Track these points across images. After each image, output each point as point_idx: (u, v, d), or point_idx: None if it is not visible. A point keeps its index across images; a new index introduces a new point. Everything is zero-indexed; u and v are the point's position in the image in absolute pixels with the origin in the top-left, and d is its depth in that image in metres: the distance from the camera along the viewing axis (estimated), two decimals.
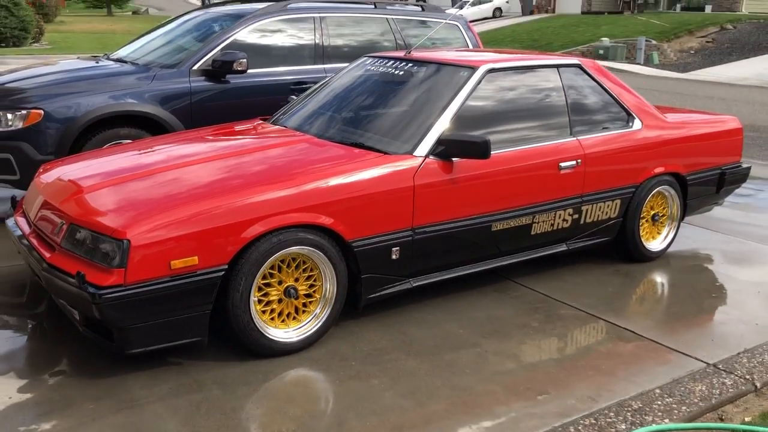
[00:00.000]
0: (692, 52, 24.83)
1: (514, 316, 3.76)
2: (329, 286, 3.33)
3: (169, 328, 2.97)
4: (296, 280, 3.25)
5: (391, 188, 3.40)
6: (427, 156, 3.54)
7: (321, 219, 3.20)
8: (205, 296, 2.99)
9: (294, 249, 3.16)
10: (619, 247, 4.54)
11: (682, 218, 4.79)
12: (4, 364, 3.10)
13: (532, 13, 38.06)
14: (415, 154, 3.54)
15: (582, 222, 4.22)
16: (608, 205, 4.30)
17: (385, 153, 3.54)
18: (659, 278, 4.44)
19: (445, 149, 3.56)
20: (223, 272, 3.00)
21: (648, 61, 23.54)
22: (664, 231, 4.73)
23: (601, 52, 24.02)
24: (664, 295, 4.23)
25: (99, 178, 3.40)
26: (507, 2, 41.18)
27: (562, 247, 4.24)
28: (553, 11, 38.47)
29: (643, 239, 4.56)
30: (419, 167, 3.50)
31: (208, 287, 2.98)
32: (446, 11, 7.29)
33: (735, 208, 6.03)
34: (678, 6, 32.84)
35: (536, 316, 3.77)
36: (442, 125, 3.64)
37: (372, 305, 3.59)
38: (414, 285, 3.63)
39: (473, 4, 40.12)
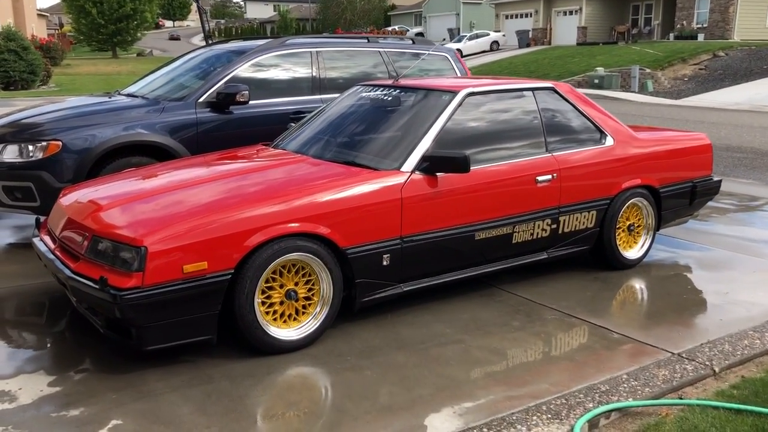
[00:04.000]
0: (686, 79, 25.37)
1: (497, 317, 4.09)
2: (326, 289, 3.67)
3: (182, 327, 3.31)
4: (296, 284, 3.60)
5: (381, 200, 3.76)
6: (413, 171, 3.91)
7: (318, 228, 3.56)
8: (213, 298, 3.33)
9: (293, 255, 3.51)
10: (598, 255, 4.87)
11: (657, 228, 5.13)
12: (34, 363, 3.44)
13: (528, 45, 38.84)
14: (402, 169, 3.91)
15: (560, 232, 4.57)
16: (585, 216, 4.64)
17: (376, 169, 3.91)
18: (635, 283, 4.76)
19: (429, 165, 3.92)
20: (230, 276, 3.34)
21: (642, 89, 24.06)
22: (641, 240, 5.07)
23: (596, 81, 24.59)
24: (639, 297, 4.56)
25: (117, 197, 3.77)
26: (503, 36, 42.02)
27: (543, 256, 4.57)
28: (549, 43, 39.27)
29: (620, 248, 4.90)
30: (406, 181, 3.86)
31: (217, 290, 3.32)
32: (439, 44, 7.73)
33: (715, 221, 6.37)
34: (671, 35, 33.55)
35: (518, 317, 4.10)
36: (426, 143, 4.01)
37: (367, 308, 3.92)
38: (405, 290, 3.97)
39: (471, 38, 40.99)
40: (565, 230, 4.59)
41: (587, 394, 3.19)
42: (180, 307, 3.26)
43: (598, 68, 25.32)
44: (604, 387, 3.26)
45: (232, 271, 3.35)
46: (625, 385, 3.28)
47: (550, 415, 3.01)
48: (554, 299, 4.37)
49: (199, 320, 3.34)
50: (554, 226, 4.52)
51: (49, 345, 3.69)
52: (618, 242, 4.88)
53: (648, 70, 25.25)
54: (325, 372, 3.40)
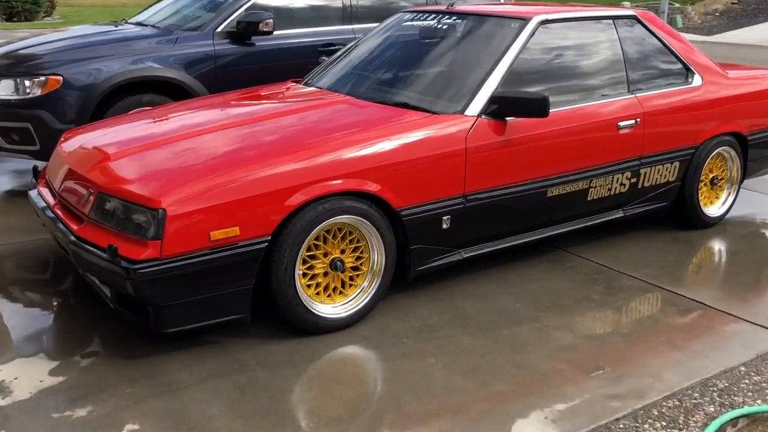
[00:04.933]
0: (717, 14, 24.20)
1: (571, 288, 3.50)
2: (377, 257, 3.08)
3: (209, 305, 2.74)
4: (342, 252, 3.01)
5: (441, 151, 3.13)
6: (479, 116, 3.26)
7: (368, 186, 2.94)
8: (247, 270, 2.75)
9: (340, 218, 2.91)
10: (677, 212, 4.25)
11: (741, 181, 4.49)
12: (33, 345, 2.88)
13: None
14: (466, 113, 3.26)
15: (640, 186, 3.94)
16: (667, 168, 4.00)
17: (433, 113, 3.26)
18: (720, 245, 4.16)
19: (498, 108, 3.27)
20: (266, 244, 2.75)
21: (671, 25, 22.95)
22: (723, 195, 4.44)
23: None
24: (728, 262, 3.96)
25: (127, 145, 3.16)
26: None
27: (619, 214, 3.96)
28: None
29: (701, 204, 4.27)
30: (471, 128, 3.22)
31: (251, 260, 2.74)
32: None
33: None
34: None
35: (595, 288, 3.51)
36: (494, 82, 3.35)
37: (420, 278, 3.33)
38: (465, 256, 3.38)
39: None
40: (645, 185, 3.95)
41: (703, 393, 2.62)
42: (207, 282, 2.69)
43: (625, 2, 24.12)
44: (721, 383, 2.69)
45: (269, 237, 2.76)
46: (747, 381, 2.71)
47: (664, 422, 2.44)
48: (633, 265, 3.78)
49: (230, 296, 2.76)
50: (634, 180, 3.88)
51: (51, 320, 3.13)
52: (700, 197, 4.25)
53: (677, 5, 24.09)
54: (380, 359, 2.84)
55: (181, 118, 3.52)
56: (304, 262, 2.92)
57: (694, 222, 4.28)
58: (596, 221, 3.87)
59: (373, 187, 2.96)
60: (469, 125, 3.22)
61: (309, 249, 2.91)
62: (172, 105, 4.08)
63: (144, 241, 2.58)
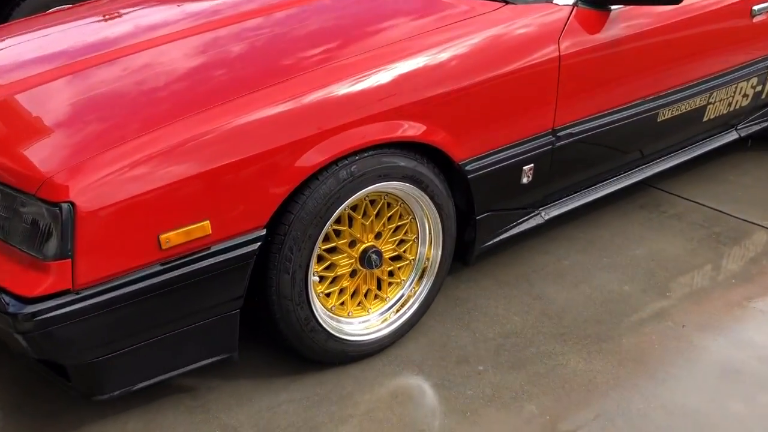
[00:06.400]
0: None
1: (692, 251, 2.45)
2: (433, 238, 1.97)
3: (169, 350, 1.63)
4: (378, 236, 1.89)
5: (524, 63, 1.97)
6: (575, 4, 2.08)
7: (416, 130, 1.79)
8: (229, 288, 1.64)
9: (375, 187, 1.77)
10: None
11: None
12: None
13: None
14: (555, 1, 2.08)
15: (764, 96, 2.83)
16: None
17: (506, 1, 2.07)
18: None
19: None
20: (259, 243, 1.62)
21: None
22: None
23: None
24: None
25: (17, 74, 1.92)
26: None
27: (733, 136, 2.87)
28: None
29: None
30: (567, 23, 2.05)
31: (234, 272, 1.61)
32: None
33: None
34: None
35: (723, 250, 2.47)
36: None
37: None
38: (546, 218, 2.28)
39: None
40: None
41: None
42: (161, 317, 1.57)
43: None
44: None
45: (263, 232, 1.62)
46: None
47: None
48: (761, 209, 2.73)
49: (204, 331, 1.65)
50: (759, 88, 2.78)
51: None
52: None
53: None
54: (449, 412, 1.78)
55: (104, 24, 2.27)
56: (320, 259, 1.80)
57: None
58: (706, 148, 2.78)
59: (423, 131, 1.81)
60: (563, 17, 2.04)
61: (326, 238, 1.79)
62: (95, 3, 2.78)
63: (43, 264, 1.43)
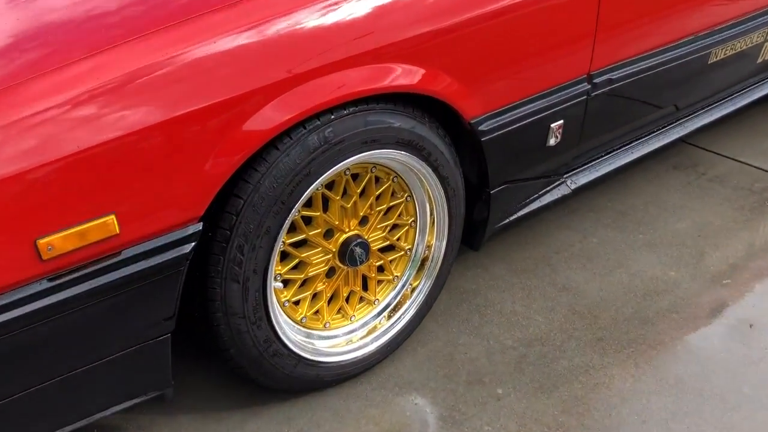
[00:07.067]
0: None
1: (745, 222, 2.01)
2: (432, 223, 1.49)
3: (73, 396, 1.15)
4: (363, 221, 1.40)
5: None
6: None
7: (411, 76, 1.29)
8: (151, 308, 1.14)
9: (359, 157, 1.27)
10: None
11: None
12: None
13: None
14: None
15: None
16: None
17: None
18: None
19: None
20: (194, 242, 1.12)
21: None
22: None
23: None
24: None
25: None
26: None
27: None
28: None
29: None
30: None
31: (160, 285, 1.12)
32: None
33: None
34: None
35: None
36: None
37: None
38: (572, 188, 1.80)
39: None
40: None
41: None
42: (55, 351, 1.08)
43: None
44: None
45: (199, 227, 1.12)
46: None
47: None
48: None
49: (122, 367, 1.17)
50: None
51: None
52: None
53: None
54: None
55: None
56: (285, 257, 1.32)
57: None
58: (755, 96, 2.30)
59: (422, 77, 1.30)
60: None
61: (292, 228, 1.30)
62: None
63: None
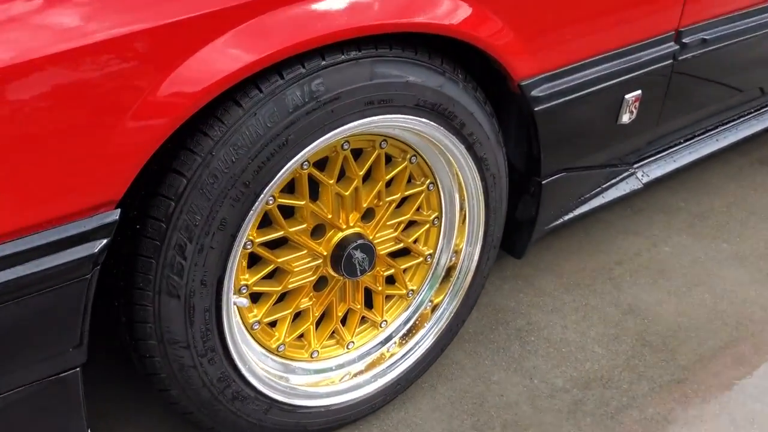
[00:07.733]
0: None
1: None
2: (470, 217, 1.10)
3: None
4: (367, 215, 1.01)
5: None
6: None
7: (451, 13, 0.90)
8: (47, 334, 0.77)
9: (362, 124, 0.89)
10: None
11: None
12: None
13: None
14: None
15: None
16: None
17: None
18: None
19: None
20: (106, 239, 0.75)
21: None
22: None
23: None
24: None
25: None
26: None
27: None
28: None
29: None
30: None
31: (58, 301, 0.75)
32: None
33: None
34: None
35: None
36: None
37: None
38: (644, 182, 1.41)
39: None
40: None
41: None
42: None
43: None
44: None
45: (115, 216, 0.75)
46: None
47: None
48: None
49: (14, 414, 0.80)
50: None
51: None
52: None
53: None
54: None
55: None
56: (254, 261, 0.94)
57: None
58: None
59: (469, 16, 0.91)
60: None
61: (265, 222, 0.92)
62: None
63: None
